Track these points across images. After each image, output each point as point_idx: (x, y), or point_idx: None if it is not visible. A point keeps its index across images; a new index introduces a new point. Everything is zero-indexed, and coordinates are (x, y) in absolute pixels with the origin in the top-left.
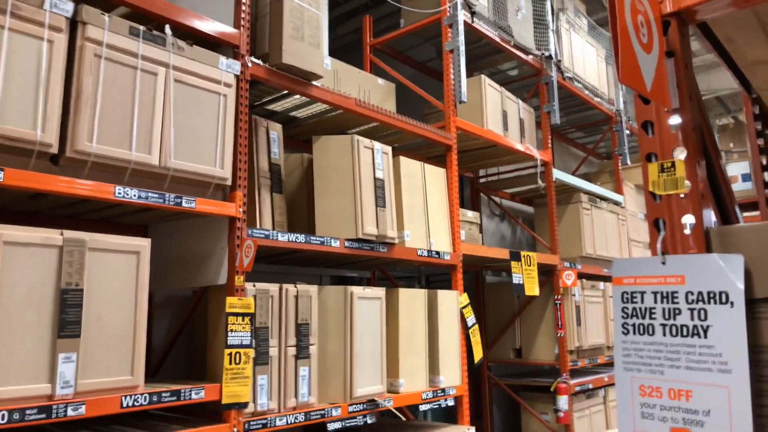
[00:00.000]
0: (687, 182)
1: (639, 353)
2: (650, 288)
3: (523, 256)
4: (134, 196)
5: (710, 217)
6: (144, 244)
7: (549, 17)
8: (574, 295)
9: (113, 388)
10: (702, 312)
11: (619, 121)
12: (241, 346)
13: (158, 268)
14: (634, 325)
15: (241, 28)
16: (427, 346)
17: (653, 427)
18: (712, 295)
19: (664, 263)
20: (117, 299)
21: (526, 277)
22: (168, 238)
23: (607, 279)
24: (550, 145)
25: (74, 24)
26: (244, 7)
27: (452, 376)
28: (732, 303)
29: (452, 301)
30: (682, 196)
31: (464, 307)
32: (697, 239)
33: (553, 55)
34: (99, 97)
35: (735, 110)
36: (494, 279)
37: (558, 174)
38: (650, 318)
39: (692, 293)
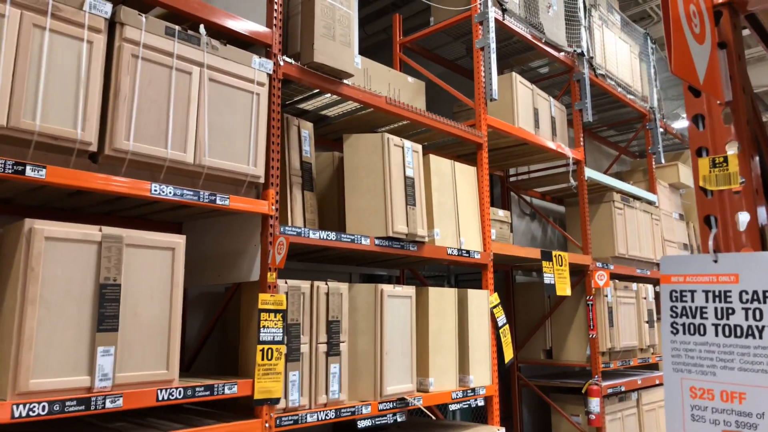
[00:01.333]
0: (741, 177)
1: (689, 354)
2: (701, 287)
3: (555, 256)
4: (170, 193)
5: (764, 213)
6: (179, 240)
7: (581, 13)
8: (606, 295)
9: (149, 382)
10: (757, 312)
11: (653, 119)
12: (273, 342)
13: (192, 264)
14: (684, 324)
15: (273, 27)
16: (457, 345)
17: (704, 430)
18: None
19: (716, 261)
20: (153, 294)
21: (557, 277)
22: (202, 235)
23: (640, 280)
24: (582, 144)
25: (112, 25)
26: (276, 6)
27: (482, 376)
28: None
29: (482, 301)
30: (735, 192)
31: (495, 306)
32: (752, 237)
33: (585, 52)
34: (136, 96)
35: None
36: (524, 279)
37: (590, 173)
38: (701, 317)
39: (747, 292)
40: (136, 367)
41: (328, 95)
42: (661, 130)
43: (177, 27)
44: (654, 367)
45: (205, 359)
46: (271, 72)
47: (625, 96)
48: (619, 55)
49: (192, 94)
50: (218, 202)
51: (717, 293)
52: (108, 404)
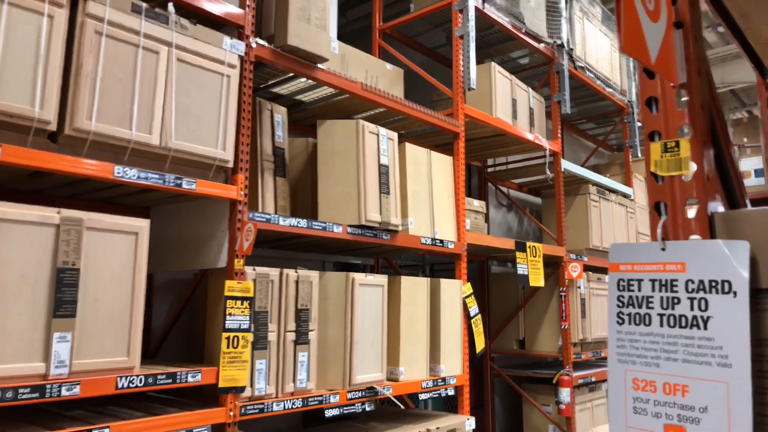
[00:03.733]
0: (692, 163)
1: (634, 344)
2: (648, 275)
3: (529, 247)
4: (133, 176)
5: (716, 203)
6: (143, 224)
7: (562, 4)
8: (579, 287)
9: (109, 369)
10: (702, 302)
11: (631, 113)
12: (240, 330)
13: (159, 249)
14: (630, 314)
15: (246, 8)
16: (429, 334)
17: (646, 423)
18: (713, 284)
19: (663, 249)
20: (114, 280)
21: (531, 268)
22: (170, 220)
23: None
24: (559, 136)
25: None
26: None
27: (453, 366)
28: (735, 293)
29: (455, 291)
30: (685, 177)
31: (467, 296)
32: (701, 224)
33: (565, 44)
34: (99, 74)
35: (749, 104)
36: (499, 269)
37: (567, 165)
38: (647, 307)
39: (693, 282)
40: (94, 354)
41: (303, 80)
42: (639, 124)
43: (144, 4)
44: None
45: (172, 346)
46: (242, 54)
47: (604, 89)
48: (599, 48)
49: (159, 74)
50: (184, 186)
51: (663, 282)
52: (64, 392)
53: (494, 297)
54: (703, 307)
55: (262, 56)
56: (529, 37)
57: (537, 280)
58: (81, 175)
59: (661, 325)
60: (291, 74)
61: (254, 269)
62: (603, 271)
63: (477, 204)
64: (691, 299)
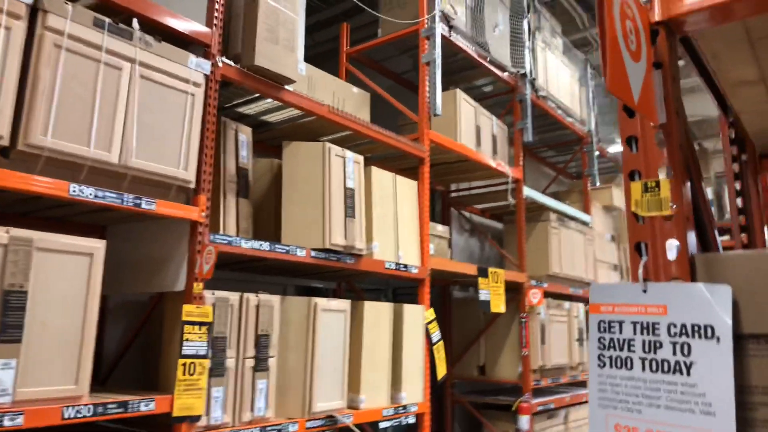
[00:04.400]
0: (672, 204)
1: (615, 389)
2: (629, 318)
3: (491, 273)
4: (90, 194)
5: (694, 242)
6: (98, 245)
7: (526, 35)
8: (539, 313)
9: (55, 398)
10: (685, 346)
11: (590, 142)
12: (197, 356)
13: (115, 270)
14: (611, 357)
15: (214, 27)
16: (391, 361)
17: None
18: (696, 329)
19: (645, 291)
20: (65, 303)
21: (493, 293)
22: (127, 240)
23: (572, 298)
24: (521, 163)
25: (35, 12)
26: (217, 5)
27: (414, 393)
28: (718, 338)
29: (418, 316)
30: (666, 218)
31: (430, 322)
32: (682, 266)
33: (528, 74)
34: (57, 89)
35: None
36: (461, 294)
37: (529, 192)
38: (629, 350)
39: (675, 325)
40: (41, 382)
41: (269, 100)
42: (597, 153)
43: (107, 19)
44: (582, 384)
45: (125, 372)
46: (208, 73)
47: (565, 118)
48: (560, 79)
49: (121, 90)
50: (144, 206)
51: (645, 325)
52: (6, 422)
53: (456, 322)
54: (685, 352)
55: (229, 76)
56: (493, 65)
57: (498, 306)
58: (33, 192)
59: (643, 369)
60: (257, 95)
61: (213, 293)
62: (563, 297)
63: (441, 229)
64: (674, 343)
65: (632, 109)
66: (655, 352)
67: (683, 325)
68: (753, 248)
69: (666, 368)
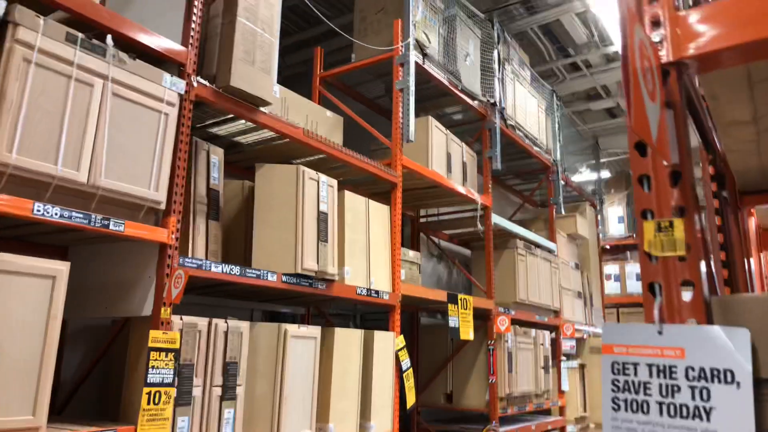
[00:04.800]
0: (687, 244)
1: None
2: (645, 360)
3: (460, 299)
4: (55, 214)
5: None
6: (61, 268)
7: (495, 65)
8: (507, 341)
9: (11, 429)
10: (704, 391)
11: (556, 171)
12: (162, 384)
13: (77, 293)
14: (626, 400)
15: (189, 47)
16: (360, 389)
17: None
18: (715, 373)
19: (660, 333)
20: (24, 329)
21: (461, 320)
22: (91, 262)
23: (538, 326)
24: (490, 190)
25: (4, 24)
26: (193, 25)
27: (384, 422)
28: (738, 383)
29: (388, 343)
30: (680, 258)
31: (400, 349)
32: (697, 308)
33: (498, 103)
34: (24, 104)
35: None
36: (429, 321)
37: (497, 219)
38: (645, 394)
39: (693, 369)
40: None
41: (243, 121)
42: (562, 182)
43: (80, 35)
44: (548, 412)
45: (84, 401)
46: (182, 92)
47: (532, 148)
48: (528, 109)
49: (92, 108)
50: (112, 227)
51: (662, 368)
52: None
53: (423, 349)
54: (705, 397)
55: (203, 96)
56: (464, 94)
57: (467, 333)
58: None
59: (661, 413)
60: (231, 115)
61: (181, 318)
62: (529, 324)
63: (412, 255)
64: (692, 388)
65: (649, 148)
66: (672, 396)
67: (702, 369)
68: (734, 284)
69: (685, 413)
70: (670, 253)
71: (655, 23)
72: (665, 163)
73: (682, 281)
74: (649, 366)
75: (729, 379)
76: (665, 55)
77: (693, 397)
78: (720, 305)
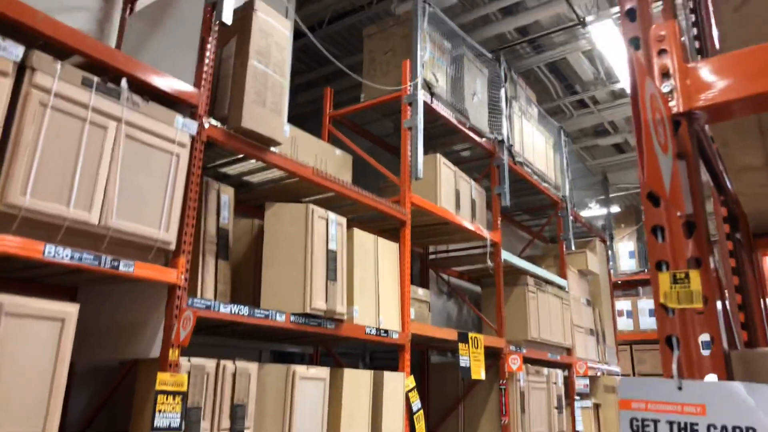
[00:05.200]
0: (704, 296)
1: None
2: (665, 416)
3: (471, 338)
4: (66, 256)
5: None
6: (71, 310)
7: (503, 103)
8: (519, 380)
9: None
10: None
11: (565, 207)
12: (170, 428)
13: (84, 335)
14: None
15: (201, 88)
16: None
17: None
18: (738, 431)
19: (680, 388)
20: (31, 374)
21: (472, 359)
22: (99, 303)
23: (551, 364)
24: (499, 227)
25: (22, 69)
26: (206, 68)
27: None
28: None
29: (398, 384)
30: (698, 312)
31: (410, 390)
32: (717, 362)
33: (506, 140)
34: (40, 148)
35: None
36: (439, 359)
37: (507, 255)
38: None
39: (715, 427)
40: None
41: (253, 161)
42: (572, 218)
43: (96, 78)
44: None
45: None
46: (194, 133)
47: (540, 183)
48: (535, 145)
49: (105, 150)
50: (122, 268)
51: (683, 425)
52: None
53: (434, 388)
54: None
55: (215, 137)
56: (472, 131)
57: (478, 372)
58: (6, 254)
59: None
60: (241, 155)
61: (189, 360)
62: (541, 363)
63: (421, 293)
64: None
65: (662, 200)
66: None
67: (724, 427)
68: (751, 327)
69: None
70: (687, 306)
71: (665, 74)
72: (679, 213)
73: (701, 335)
74: (670, 423)
75: None
76: (676, 105)
77: None
78: (740, 359)
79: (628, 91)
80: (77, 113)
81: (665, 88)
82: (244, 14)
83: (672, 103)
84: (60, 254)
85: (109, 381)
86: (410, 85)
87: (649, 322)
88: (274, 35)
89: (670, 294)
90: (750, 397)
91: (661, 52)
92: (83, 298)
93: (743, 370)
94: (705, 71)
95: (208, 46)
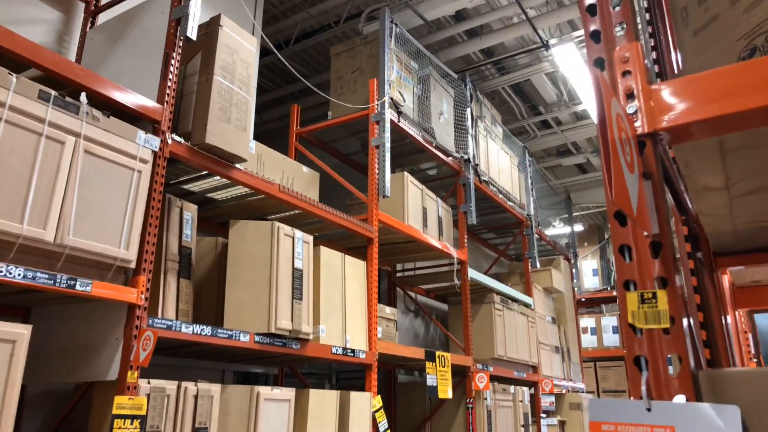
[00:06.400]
0: (671, 316)
1: None
2: None
3: (438, 357)
4: (18, 275)
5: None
6: (22, 332)
7: (469, 123)
8: (485, 398)
9: None
10: None
11: (530, 226)
12: None
13: (37, 356)
14: None
15: (165, 104)
16: None
17: None
18: None
19: (649, 410)
20: None
21: (440, 378)
22: (53, 324)
23: (517, 382)
24: (465, 245)
25: None
26: (170, 83)
27: None
28: None
29: (365, 404)
30: (665, 331)
31: (377, 410)
32: (685, 383)
33: (471, 159)
34: None
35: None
36: (406, 378)
37: (473, 273)
38: None
39: None
40: None
41: (218, 178)
42: (537, 236)
43: (54, 92)
44: None
45: None
46: (156, 149)
47: (506, 202)
48: (501, 164)
49: (62, 165)
50: (78, 287)
51: None
52: None
53: (401, 408)
54: None
55: (178, 153)
56: (438, 150)
57: (446, 391)
58: None
59: None
60: (205, 172)
61: (149, 382)
62: (507, 381)
63: (389, 311)
64: None
65: (630, 220)
66: None
67: None
68: (713, 345)
69: None
70: (655, 326)
71: (630, 95)
72: (645, 234)
73: (668, 355)
74: None
75: None
76: (641, 126)
77: None
78: (708, 380)
79: (591, 112)
80: (33, 128)
81: (630, 109)
82: (210, 30)
83: (637, 124)
84: (12, 273)
85: (63, 404)
86: (377, 104)
87: (612, 339)
88: (239, 51)
89: (638, 314)
90: (718, 418)
91: (626, 73)
92: (37, 319)
93: (711, 390)
94: (667, 93)
95: (172, 61)
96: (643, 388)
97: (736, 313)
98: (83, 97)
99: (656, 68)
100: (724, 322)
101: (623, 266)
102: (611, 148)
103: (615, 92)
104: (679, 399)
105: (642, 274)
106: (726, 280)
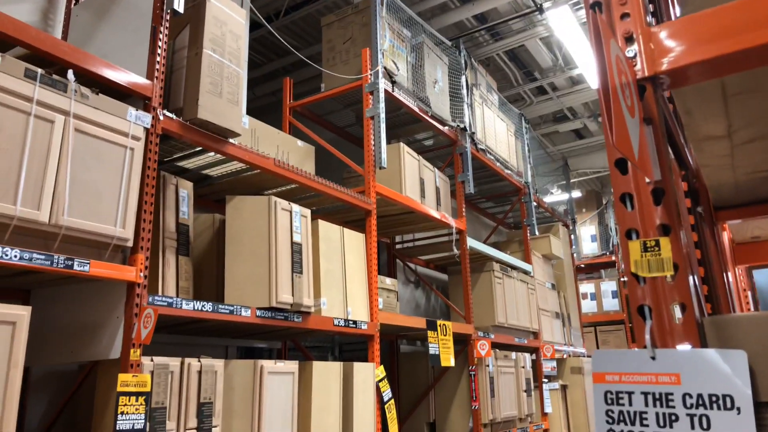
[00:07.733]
0: (675, 263)
1: None
2: (639, 387)
3: (439, 326)
4: (15, 257)
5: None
6: (22, 313)
7: (464, 91)
8: (488, 365)
9: None
10: (704, 419)
11: (528, 193)
12: (133, 431)
13: (40, 339)
14: None
15: (155, 80)
16: (341, 424)
17: None
18: (714, 399)
19: (653, 358)
20: None
21: (441, 347)
22: (54, 305)
23: (519, 348)
24: (464, 214)
25: None
26: (158, 58)
27: None
28: (738, 409)
29: (368, 374)
30: (669, 279)
31: (381, 380)
32: (690, 331)
33: (468, 127)
34: None
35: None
36: (408, 348)
37: (472, 242)
38: (641, 425)
39: (690, 396)
40: None
41: (212, 154)
42: (535, 203)
43: (40, 70)
44: None
45: None
46: (148, 126)
47: (503, 170)
48: (497, 132)
49: (53, 144)
50: (76, 267)
51: (657, 396)
52: None
53: (404, 377)
54: (704, 425)
55: (170, 129)
56: (434, 120)
57: (448, 359)
58: None
59: None
60: (199, 148)
61: (152, 360)
62: (509, 348)
63: (389, 282)
64: (691, 416)
65: (632, 165)
66: (671, 426)
67: (699, 396)
68: (715, 300)
69: None
70: (658, 274)
71: (628, 39)
72: (647, 180)
73: (672, 302)
74: (645, 394)
75: (728, 404)
76: (641, 70)
77: (692, 426)
78: (713, 326)
79: (587, 76)
80: (21, 107)
81: (629, 53)
82: (197, 2)
83: (637, 68)
84: (8, 255)
85: (68, 385)
86: (371, 74)
87: (612, 304)
88: (228, 23)
89: (641, 262)
90: (725, 364)
91: (624, 15)
92: (37, 301)
93: (716, 337)
94: (667, 34)
95: (160, 35)
96: (647, 336)
97: (736, 269)
98: (71, 74)
99: (651, 8)
100: (725, 277)
101: (625, 215)
102: (611, 92)
103: (614, 35)
104: (684, 346)
105: (644, 222)
106: (726, 237)
